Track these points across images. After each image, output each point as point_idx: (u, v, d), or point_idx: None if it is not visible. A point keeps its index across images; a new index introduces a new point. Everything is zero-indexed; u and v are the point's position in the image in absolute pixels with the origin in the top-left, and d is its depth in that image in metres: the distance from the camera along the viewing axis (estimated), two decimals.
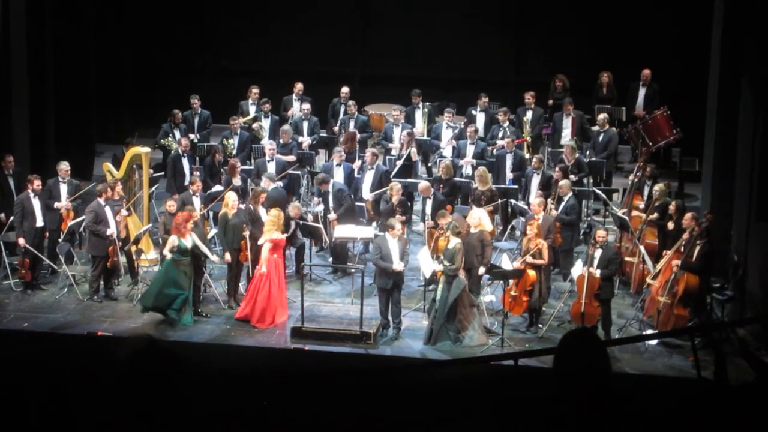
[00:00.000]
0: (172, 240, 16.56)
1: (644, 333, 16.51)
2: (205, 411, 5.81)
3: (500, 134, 21.27)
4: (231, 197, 17.54)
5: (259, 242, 16.91)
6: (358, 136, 21.27)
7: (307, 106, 22.29)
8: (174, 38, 25.51)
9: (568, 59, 23.80)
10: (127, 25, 24.76)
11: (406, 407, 8.10)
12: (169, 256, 16.62)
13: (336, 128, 22.38)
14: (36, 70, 20.53)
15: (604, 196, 19.61)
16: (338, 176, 19.67)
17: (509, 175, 20.14)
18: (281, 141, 20.84)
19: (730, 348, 16.06)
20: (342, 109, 22.65)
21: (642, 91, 22.52)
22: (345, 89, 22.82)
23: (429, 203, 18.52)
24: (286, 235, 17.26)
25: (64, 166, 18.61)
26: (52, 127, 21.44)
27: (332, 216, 18.52)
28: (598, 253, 16.29)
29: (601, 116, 21.19)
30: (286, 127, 21.37)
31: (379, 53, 25.12)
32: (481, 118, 22.00)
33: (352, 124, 21.91)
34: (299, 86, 22.80)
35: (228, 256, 17.39)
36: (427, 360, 15.50)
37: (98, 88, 23.16)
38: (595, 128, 21.40)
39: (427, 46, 24.82)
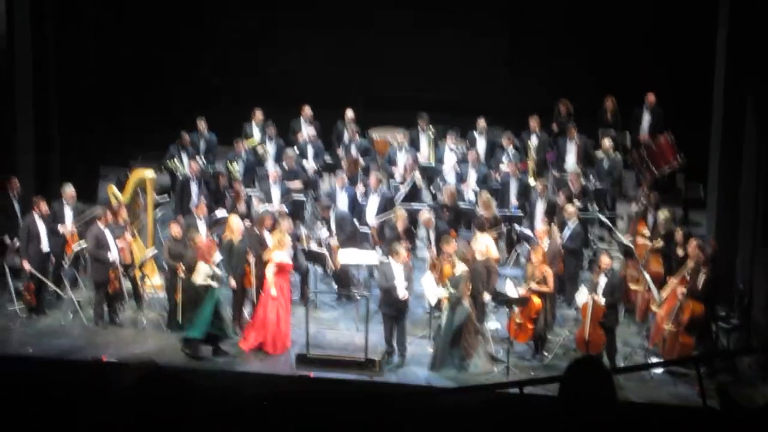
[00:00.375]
0: (204, 267, 16.57)
1: (649, 361, 16.47)
2: None
3: (504, 159, 21.27)
4: (235, 222, 17.52)
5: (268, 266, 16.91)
6: (361, 160, 21.27)
7: (312, 131, 22.29)
8: (180, 61, 25.48)
9: (571, 84, 23.78)
10: (131, 48, 24.74)
11: None
12: (205, 282, 16.59)
13: (340, 151, 22.38)
14: (40, 93, 20.59)
15: (609, 223, 19.58)
16: (342, 200, 19.69)
17: (514, 202, 20.13)
18: (285, 166, 20.83)
19: (733, 377, 16.14)
20: (346, 132, 22.65)
21: (646, 116, 22.53)
22: (350, 112, 22.78)
23: (431, 234, 18.48)
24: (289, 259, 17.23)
25: (70, 190, 18.59)
26: (57, 149, 21.47)
27: (334, 241, 18.46)
28: (602, 280, 16.28)
29: (606, 142, 21.17)
30: (290, 151, 21.33)
31: (383, 76, 25.09)
32: (481, 142, 22.03)
33: (353, 147, 21.90)
34: (307, 110, 22.78)
35: (233, 282, 17.36)
36: (432, 388, 15.46)
37: (103, 110, 23.17)
38: (600, 154, 21.36)
39: (432, 70, 24.79)
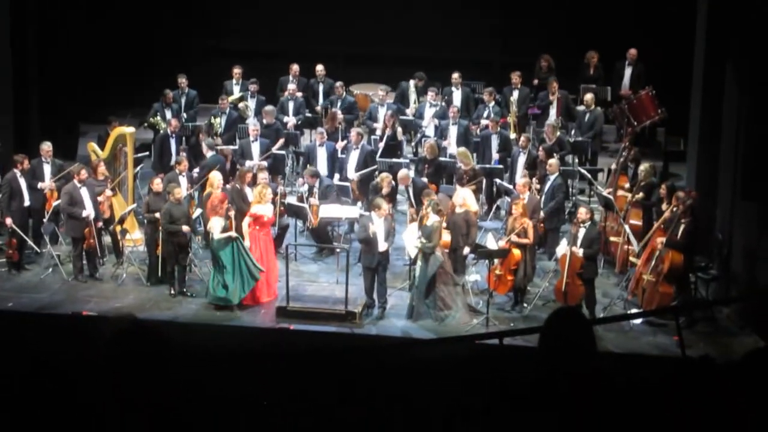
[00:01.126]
0: (217, 221, 16.57)
1: (629, 312, 16.54)
2: (192, 391, 5.80)
3: (485, 114, 21.28)
4: (216, 177, 17.50)
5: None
6: (340, 116, 21.20)
7: (293, 85, 22.23)
8: (161, 16, 25.33)
9: (552, 40, 23.76)
10: (114, 3, 24.59)
11: (392, 386, 8.11)
12: (225, 236, 16.61)
13: (318, 108, 22.35)
14: (19, 49, 20.44)
15: (589, 176, 19.62)
16: (321, 156, 19.65)
17: (495, 156, 20.13)
18: (264, 121, 20.77)
19: (713, 328, 16.25)
20: (320, 88, 22.69)
21: (628, 71, 22.55)
22: (320, 67, 22.93)
23: (410, 191, 18.48)
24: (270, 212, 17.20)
25: (47, 147, 18.54)
26: (36, 107, 21.38)
27: (314, 201, 18.33)
28: (581, 232, 16.32)
29: (588, 96, 21.21)
30: (269, 107, 21.27)
31: (363, 32, 25.01)
32: (458, 96, 22.02)
33: (339, 104, 21.86)
34: (295, 67, 22.71)
35: None
36: (411, 339, 15.53)
37: (83, 67, 23.05)
38: (581, 108, 21.39)
39: (412, 25, 24.71)
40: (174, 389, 4.89)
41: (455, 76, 22.15)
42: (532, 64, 23.10)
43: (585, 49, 22.85)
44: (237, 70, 22.68)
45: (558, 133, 19.88)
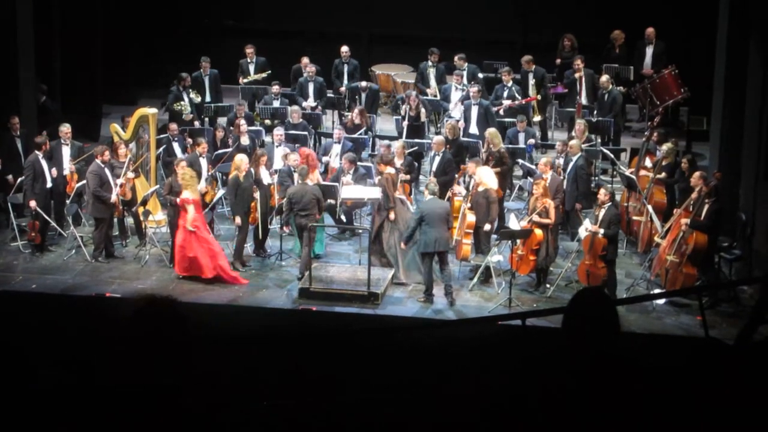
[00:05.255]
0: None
1: (652, 292, 16.50)
2: (213, 371, 5.81)
3: (505, 94, 21.25)
4: (242, 160, 17.49)
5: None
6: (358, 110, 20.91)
7: (312, 68, 22.13)
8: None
9: (574, 19, 23.68)
10: None
11: (414, 367, 8.11)
12: None
13: (343, 89, 22.34)
14: (42, 31, 20.46)
15: (612, 156, 19.56)
16: (336, 151, 19.46)
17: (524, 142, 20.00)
18: (291, 120, 20.63)
19: (737, 308, 16.18)
20: (345, 69, 22.61)
21: (649, 50, 22.40)
22: (345, 48, 22.76)
23: (437, 160, 18.48)
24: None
25: (65, 128, 18.62)
26: (59, 88, 21.43)
27: (346, 179, 18.25)
28: (602, 213, 16.27)
29: (604, 77, 21.07)
30: (295, 107, 21.15)
31: (386, 13, 24.97)
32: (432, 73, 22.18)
33: (364, 97, 21.78)
34: (305, 60, 22.60)
35: (238, 219, 17.38)
36: (435, 320, 15.54)
37: (105, 48, 23.07)
38: (600, 89, 21.25)
39: (434, 5, 24.67)
40: (194, 369, 4.90)
41: (435, 56, 22.32)
42: (555, 44, 23.02)
43: (608, 28, 22.73)
44: (250, 50, 22.71)
45: (587, 134, 19.61)
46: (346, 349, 8.63)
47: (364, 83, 22.06)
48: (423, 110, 20.64)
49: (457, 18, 24.64)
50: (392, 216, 17.13)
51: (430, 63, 22.45)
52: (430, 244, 16.25)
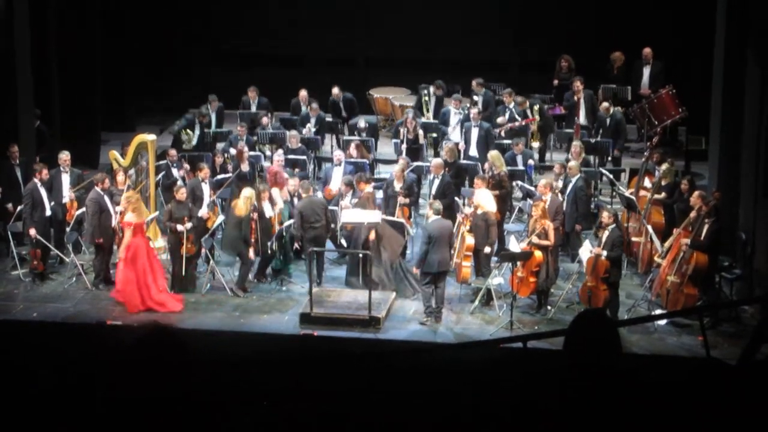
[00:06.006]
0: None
1: (653, 313, 16.48)
2: (214, 397, 5.81)
3: (507, 115, 21.26)
4: (249, 197, 17.51)
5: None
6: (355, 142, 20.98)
7: (315, 105, 22.11)
8: (178, 25, 25.42)
9: (571, 40, 23.73)
10: (133, 13, 24.64)
11: (414, 390, 8.08)
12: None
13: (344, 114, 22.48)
14: (40, 58, 20.49)
15: (611, 176, 19.57)
16: (336, 175, 19.53)
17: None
18: (290, 146, 20.66)
19: (738, 327, 16.15)
20: (341, 105, 22.86)
21: (646, 70, 22.47)
22: (335, 90, 22.81)
23: (436, 183, 18.48)
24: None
25: (64, 156, 18.65)
26: (57, 115, 21.45)
27: (344, 202, 18.29)
28: (604, 235, 16.25)
29: (604, 104, 21.13)
30: (293, 131, 21.19)
31: (382, 35, 25.01)
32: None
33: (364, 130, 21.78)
34: (303, 92, 22.61)
35: (251, 252, 17.47)
36: (434, 344, 15.50)
37: (104, 76, 23.09)
38: (601, 113, 21.26)
39: (431, 27, 24.71)
40: (196, 395, 4.90)
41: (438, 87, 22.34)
42: (552, 65, 23.05)
43: (605, 48, 22.79)
44: (252, 94, 22.82)
45: (583, 155, 19.60)
46: (347, 373, 8.60)
47: (362, 123, 21.96)
48: (420, 132, 20.66)
49: (455, 40, 24.66)
50: (372, 236, 17.13)
51: (432, 91, 22.45)
52: (433, 264, 16.26)
